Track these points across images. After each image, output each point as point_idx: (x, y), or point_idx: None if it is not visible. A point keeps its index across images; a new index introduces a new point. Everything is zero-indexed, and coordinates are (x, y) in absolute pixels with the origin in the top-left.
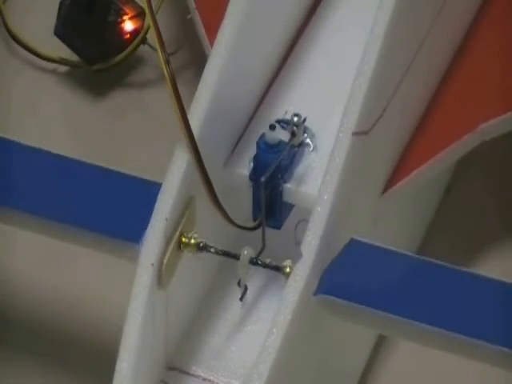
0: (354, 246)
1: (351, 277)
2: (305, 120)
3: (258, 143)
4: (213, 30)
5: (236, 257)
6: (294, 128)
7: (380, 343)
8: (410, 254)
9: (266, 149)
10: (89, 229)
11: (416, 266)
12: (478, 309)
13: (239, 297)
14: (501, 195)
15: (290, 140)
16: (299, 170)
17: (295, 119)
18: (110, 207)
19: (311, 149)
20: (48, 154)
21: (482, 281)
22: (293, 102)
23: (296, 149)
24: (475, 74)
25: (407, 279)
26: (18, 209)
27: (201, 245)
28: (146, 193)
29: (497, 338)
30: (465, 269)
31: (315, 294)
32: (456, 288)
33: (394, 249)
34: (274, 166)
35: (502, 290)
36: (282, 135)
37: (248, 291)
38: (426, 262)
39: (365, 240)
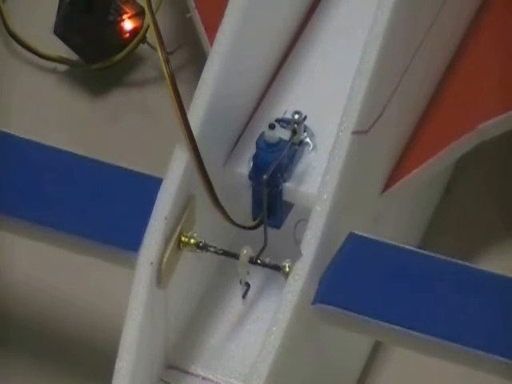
0: (353, 241)
1: (349, 280)
2: (305, 118)
3: (257, 142)
4: (212, 29)
5: (235, 256)
6: (295, 126)
7: (380, 343)
8: (410, 247)
9: (266, 148)
10: (86, 236)
11: (417, 261)
12: (480, 308)
13: (240, 295)
14: (501, 195)
15: (291, 138)
16: (299, 169)
17: (296, 117)
18: (108, 207)
19: (311, 148)
20: (42, 146)
21: (485, 276)
22: (292, 101)
23: (296, 147)
24: (475, 72)
25: (408, 276)
26: (11, 215)
27: (200, 244)
28: (146, 188)
29: (496, 347)
30: (468, 263)
31: (313, 303)
32: (459, 284)
33: (394, 243)
34: (275, 164)
35: (507, 287)
36: (282, 135)
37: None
38: (427, 256)
39: (364, 234)
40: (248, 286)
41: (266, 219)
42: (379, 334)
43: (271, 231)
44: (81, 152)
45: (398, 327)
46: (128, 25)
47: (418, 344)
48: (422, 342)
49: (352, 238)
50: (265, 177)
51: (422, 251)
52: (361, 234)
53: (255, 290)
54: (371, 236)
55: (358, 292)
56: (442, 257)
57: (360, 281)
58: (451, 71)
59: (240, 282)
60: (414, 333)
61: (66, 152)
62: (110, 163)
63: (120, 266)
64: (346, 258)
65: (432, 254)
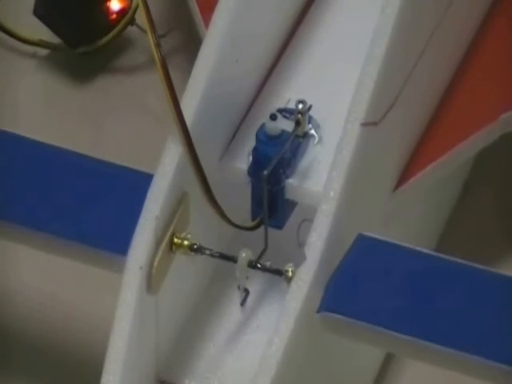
0: (362, 243)
1: (358, 286)
2: (310, 108)
3: (257, 134)
4: (208, 8)
5: (233, 259)
6: (299, 116)
7: (392, 354)
8: (424, 250)
9: (267, 141)
10: (70, 238)
11: (432, 265)
12: (502, 317)
13: (238, 302)
14: None
15: (295, 130)
16: (303, 164)
17: (300, 106)
18: (93, 206)
19: (316, 141)
20: (21, 139)
21: (506, 281)
22: (296, 89)
23: (300, 140)
24: (496, 60)
25: (422, 281)
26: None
27: (195, 246)
28: (135, 185)
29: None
30: (488, 268)
31: (318, 311)
32: (478, 290)
33: (407, 245)
34: (277, 159)
35: None
36: (284, 126)
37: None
38: (443, 259)
39: (374, 236)
40: (247, 292)
41: (267, 219)
42: (391, 345)
43: (272, 232)
44: (63, 145)
45: (411, 338)
46: (115, 5)
47: (433, 356)
48: (437, 354)
49: (361, 239)
50: (265, 172)
51: (437, 254)
52: (371, 235)
53: (255, 296)
54: (382, 237)
55: (368, 299)
56: (460, 260)
57: (370, 286)
58: (471, 58)
59: (238, 288)
60: (429, 344)
61: (45, 145)
62: (94, 158)
63: (107, 271)
64: (354, 261)
65: (448, 257)
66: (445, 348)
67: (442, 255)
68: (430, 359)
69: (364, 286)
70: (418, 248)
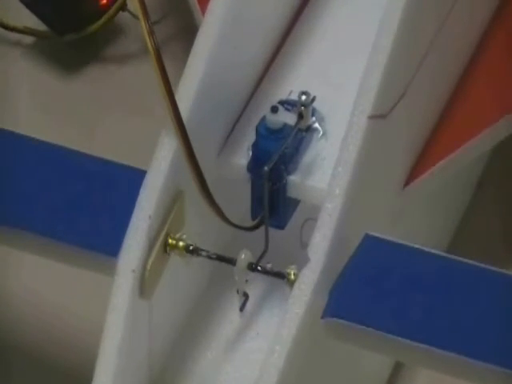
0: (369, 244)
1: (365, 290)
2: (314, 99)
3: (257, 128)
4: None
5: (232, 262)
6: (302, 108)
7: (401, 364)
8: (435, 251)
9: (267, 135)
10: (59, 239)
11: (443, 267)
12: (510, 319)
13: (237, 307)
14: None
15: (297, 123)
16: (306, 159)
17: (303, 98)
18: (82, 205)
19: (320, 135)
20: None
21: None
22: (298, 80)
23: (303, 134)
24: (510, 53)
25: (433, 285)
26: None
27: (190, 248)
28: (127, 183)
29: None
30: (502, 270)
31: (322, 316)
32: (494, 294)
33: (416, 246)
34: (278, 154)
35: None
36: (286, 119)
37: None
38: (455, 261)
39: (382, 236)
40: (246, 296)
41: (268, 218)
42: (400, 352)
43: (273, 232)
44: (49, 139)
45: (421, 345)
46: None
47: (443, 364)
48: (448, 361)
49: (368, 240)
50: (266, 168)
51: (448, 256)
52: (378, 235)
53: (255, 301)
54: (390, 238)
55: (375, 304)
56: (472, 262)
57: (377, 290)
58: (483, 50)
59: (237, 292)
60: (440, 351)
61: (29, 139)
62: (83, 153)
63: (98, 273)
64: (360, 263)
65: (460, 258)
66: (456, 355)
67: (453, 257)
68: (440, 367)
69: (371, 289)
70: (429, 249)
